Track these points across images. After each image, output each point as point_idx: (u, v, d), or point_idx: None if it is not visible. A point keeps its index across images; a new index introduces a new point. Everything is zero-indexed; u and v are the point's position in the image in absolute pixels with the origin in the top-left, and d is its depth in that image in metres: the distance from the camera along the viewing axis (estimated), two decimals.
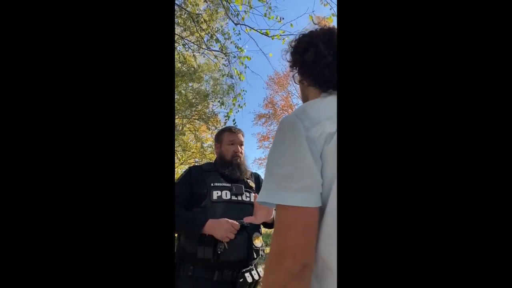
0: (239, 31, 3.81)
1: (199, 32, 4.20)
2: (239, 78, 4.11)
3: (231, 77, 4.37)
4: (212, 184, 1.35)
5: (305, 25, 0.73)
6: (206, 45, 4.33)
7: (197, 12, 4.28)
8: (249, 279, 1.21)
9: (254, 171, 1.58)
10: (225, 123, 4.82)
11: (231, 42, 4.16)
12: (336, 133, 0.54)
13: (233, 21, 3.74)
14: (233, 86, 4.60)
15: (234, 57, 4.04)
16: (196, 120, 9.58)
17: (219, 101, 7.12)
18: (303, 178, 0.53)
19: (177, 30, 4.69)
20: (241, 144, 1.50)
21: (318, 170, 0.54)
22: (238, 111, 4.39)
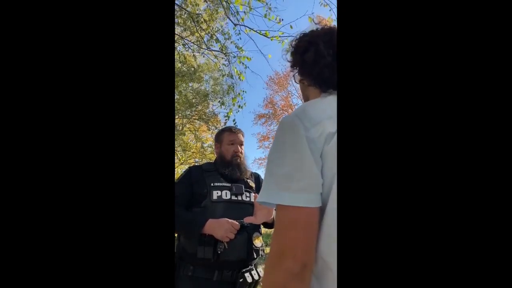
0: (239, 31, 3.81)
1: (199, 32, 4.20)
2: (239, 78, 4.12)
3: (231, 77, 4.36)
4: (212, 184, 1.34)
5: (304, 27, 0.73)
6: (206, 45, 4.33)
7: (197, 12, 4.28)
8: (249, 279, 1.21)
9: (254, 171, 1.58)
10: (225, 123, 4.82)
11: (231, 42, 4.16)
12: (336, 133, 0.54)
13: (232, 22, 3.74)
14: (233, 86, 4.59)
15: (234, 57, 4.04)
16: (196, 120, 9.57)
17: (219, 101, 7.13)
18: (303, 178, 0.53)
19: (177, 30, 4.69)
20: (241, 144, 1.50)
21: (318, 170, 0.54)
22: (238, 111, 4.39)
